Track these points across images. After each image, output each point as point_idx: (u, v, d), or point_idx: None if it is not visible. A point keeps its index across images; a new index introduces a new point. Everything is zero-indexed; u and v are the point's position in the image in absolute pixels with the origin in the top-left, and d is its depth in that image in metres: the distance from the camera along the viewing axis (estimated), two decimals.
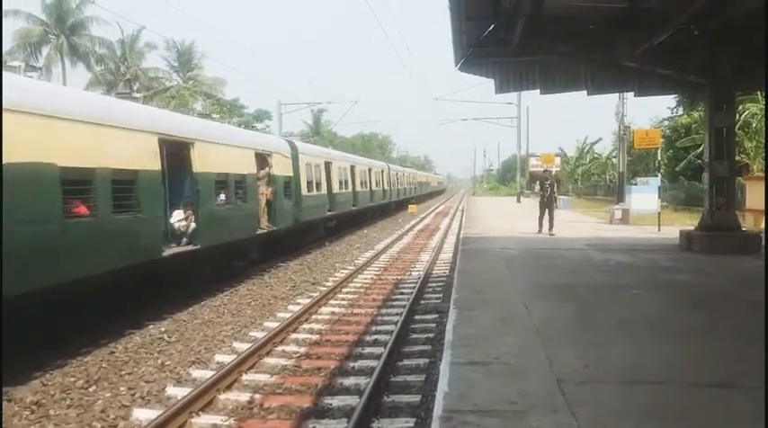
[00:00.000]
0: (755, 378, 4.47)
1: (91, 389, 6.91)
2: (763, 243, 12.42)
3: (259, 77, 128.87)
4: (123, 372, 7.50)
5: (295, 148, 18.94)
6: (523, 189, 50.67)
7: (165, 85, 43.12)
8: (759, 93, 25.76)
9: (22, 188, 7.17)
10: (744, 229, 13.89)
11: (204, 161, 12.00)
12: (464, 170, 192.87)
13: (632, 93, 16.20)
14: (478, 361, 5.04)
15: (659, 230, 17.46)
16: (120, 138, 9.37)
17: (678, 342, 5.79)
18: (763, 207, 17.60)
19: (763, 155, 27.85)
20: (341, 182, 24.78)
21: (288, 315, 10.19)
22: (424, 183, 69.16)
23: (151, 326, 9.68)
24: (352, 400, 6.23)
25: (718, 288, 8.84)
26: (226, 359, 7.82)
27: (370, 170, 31.93)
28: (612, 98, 28.95)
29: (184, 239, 11.55)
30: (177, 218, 11.62)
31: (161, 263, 10.47)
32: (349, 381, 6.92)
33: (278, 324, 9.45)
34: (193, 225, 11.65)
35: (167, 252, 10.72)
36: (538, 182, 20.45)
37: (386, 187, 36.73)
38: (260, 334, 9.00)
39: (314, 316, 10.26)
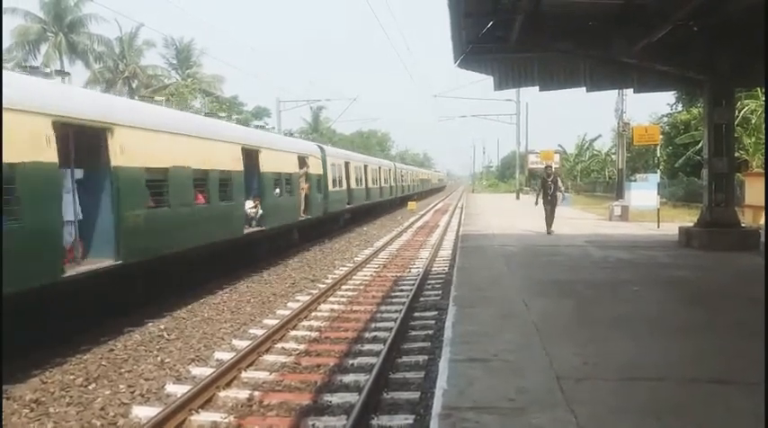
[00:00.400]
0: (754, 375, 4.48)
1: (90, 387, 6.91)
2: (763, 239, 12.43)
3: (259, 76, 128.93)
4: (123, 370, 7.50)
5: (323, 151, 22.25)
6: (522, 186, 50.70)
7: (163, 83, 43.08)
8: (758, 89, 25.76)
9: (175, 183, 10.76)
10: (743, 226, 13.90)
11: (267, 163, 15.52)
12: (463, 167, 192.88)
13: (631, 90, 16.20)
14: (478, 357, 5.05)
15: (658, 227, 17.47)
16: (222, 149, 13.05)
17: (677, 338, 5.79)
18: (762, 203, 17.61)
19: (762, 151, 27.86)
20: (356, 180, 27.88)
21: (287, 312, 10.19)
22: (426, 180, 73.62)
23: (150, 324, 9.68)
24: (352, 397, 6.24)
25: (717, 284, 8.85)
26: (225, 356, 7.82)
27: (379, 168, 35.28)
28: (612, 95, 28.92)
29: (254, 222, 14.81)
30: (249, 206, 14.69)
31: (242, 239, 13.86)
32: (348, 378, 6.93)
33: (277, 321, 9.46)
34: (260, 211, 15.03)
35: (246, 231, 14.09)
36: (539, 180, 19.36)
37: (392, 184, 40.17)
38: (259, 332, 9.01)
39: (313, 314, 10.26)
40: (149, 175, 9.97)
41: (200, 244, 11.72)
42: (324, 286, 12.43)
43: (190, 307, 10.88)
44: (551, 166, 19.81)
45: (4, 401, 6.36)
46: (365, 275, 14.05)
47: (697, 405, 4.07)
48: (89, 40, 41.01)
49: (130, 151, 9.44)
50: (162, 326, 9.54)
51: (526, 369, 4.77)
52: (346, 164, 26.11)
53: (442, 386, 4.42)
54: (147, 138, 10.06)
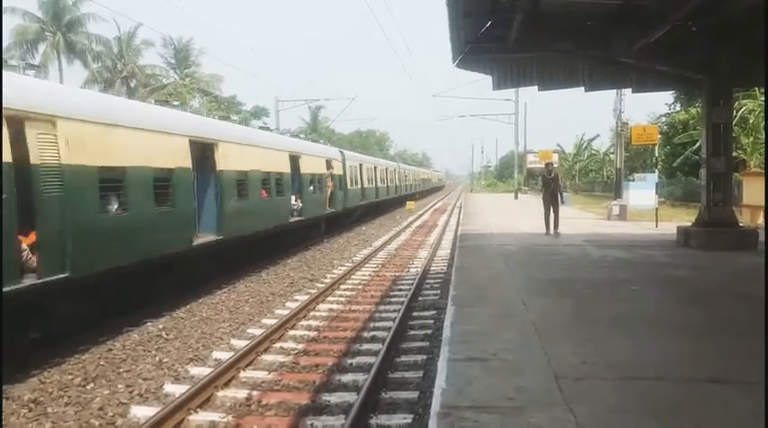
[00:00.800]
0: (752, 374, 4.49)
1: (89, 387, 6.91)
2: (760, 238, 12.46)
3: (258, 75, 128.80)
4: (121, 370, 7.50)
5: (343, 155, 25.90)
6: (521, 185, 50.72)
7: (162, 83, 43.05)
8: (756, 89, 25.81)
9: (251, 182, 14.20)
10: (741, 225, 13.92)
11: (305, 167, 19.34)
12: (462, 166, 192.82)
13: (630, 90, 16.21)
14: (476, 357, 5.05)
15: (657, 226, 17.49)
16: (277, 156, 16.81)
17: (675, 338, 5.80)
18: (759, 203, 17.64)
19: (760, 151, 27.91)
20: (368, 179, 31.20)
21: (286, 312, 10.18)
22: (427, 180, 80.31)
23: (149, 324, 9.67)
24: (350, 397, 6.24)
25: (715, 284, 8.86)
26: (224, 356, 7.81)
27: (386, 169, 39.25)
28: (610, 94, 29.05)
29: (295, 213, 18.13)
30: (292, 200, 18.04)
31: (288, 226, 17.60)
32: (347, 378, 6.92)
33: (276, 321, 9.45)
34: (300, 205, 18.47)
35: (291, 220, 17.70)
36: (540, 178, 19.00)
37: (397, 183, 44.55)
38: (258, 331, 9.01)
39: (312, 313, 10.26)
40: (238, 176, 13.53)
41: (265, 228, 15.38)
42: (322, 285, 12.43)
43: (188, 306, 10.87)
44: (552, 163, 19.18)
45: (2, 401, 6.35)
46: (364, 275, 14.05)
47: (695, 405, 4.08)
48: (87, 39, 40.96)
49: (228, 159, 12.99)
50: (160, 326, 9.53)
51: (525, 368, 4.77)
52: (360, 165, 29.15)
53: (440, 385, 4.42)
54: (237, 150, 13.72)
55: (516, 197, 43.16)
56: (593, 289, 8.18)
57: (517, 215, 24.35)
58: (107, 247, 8.79)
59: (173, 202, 10.62)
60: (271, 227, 15.84)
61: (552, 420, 3.78)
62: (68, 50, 40.47)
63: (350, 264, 15.33)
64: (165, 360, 7.86)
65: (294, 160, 18.37)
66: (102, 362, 7.76)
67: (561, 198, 15.96)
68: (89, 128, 8.51)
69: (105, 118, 9.03)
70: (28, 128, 7.35)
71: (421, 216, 34.45)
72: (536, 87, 13.78)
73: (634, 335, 5.78)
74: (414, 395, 6.38)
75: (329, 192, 22.32)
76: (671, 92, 34.59)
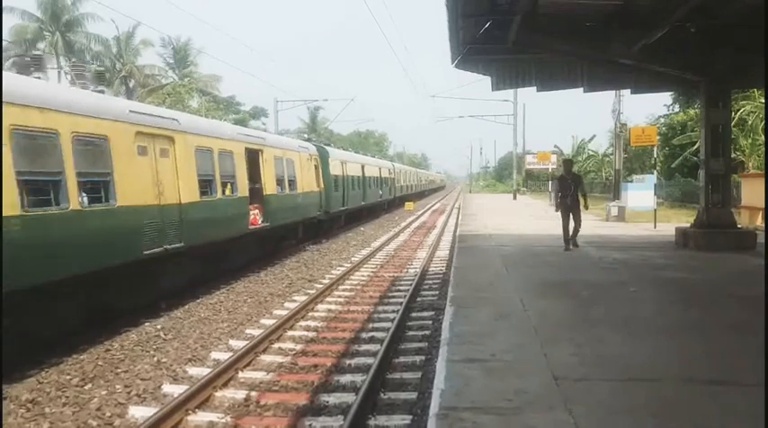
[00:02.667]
0: (751, 375, 4.49)
1: (87, 387, 6.90)
2: (760, 240, 12.47)
3: (256, 75, 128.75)
4: (119, 370, 7.49)
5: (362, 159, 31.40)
6: (519, 186, 50.72)
7: (160, 83, 43.00)
8: (755, 90, 25.84)
9: (346, 182, 25.63)
10: (739, 226, 13.93)
11: (333, 170, 23.90)
12: (460, 167, 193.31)
13: (628, 91, 16.23)
14: (475, 358, 5.05)
15: (655, 227, 17.50)
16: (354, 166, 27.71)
17: (674, 339, 5.80)
18: (758, 204, 17.66)
19: (758, 152, 27.95)
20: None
21: (284, 312, 10.18)
22: (433, 181, 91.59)
23: (147, 324, 9.66)
24: (349, 397, 6.23)
25: (713, 285, 8.86)
26: (222, 356, 7.81)
27: (407, 172, 48.81)
28: (609, 95, 29.06)
29: (323, 208, 21.78)
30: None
31: (318, 217, 21.38)
32: (345, 378, 6.92)
33: (274, 321, 9.45)
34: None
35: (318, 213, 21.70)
36: (555, 180, 15.12)
37: (414, 183, 51.92)
38: (256, 332, 9.00)
39: (310, 314, 10.25)
40: (341, 179, 24.06)
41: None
42: (321, 286, 12.42)
43: (186, 306, 10.86)
44: (572, 161, 15.03)
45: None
46: (362, 275, 14.04)
47: (694, 406, 4.08)
48: (86, 39, 40.91)
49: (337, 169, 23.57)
50: (159, 326, 9.52)
51: (523, 369, 4.77)
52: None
53: (439, 386, 4.42)
54: (345, 164, 24.89)
55: (515, 198, 43.20)
56: (592, 290, 8.18)
57: (515, 216, 24.37)
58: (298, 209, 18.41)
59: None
60: (312, 217, 20.58)
61: (551, 421, 3.78)
62: (67, 50, 40.38)
63: (348, 265, 15.32)
64: (163, 360, 7.85)
65: (344, 166, 25.40)
66: (100, 362, 7.75)
67: (586, 203, 12.53)
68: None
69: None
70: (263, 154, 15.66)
71: (420, 217, 34.45)
72: (535, 88, 13.80)
73: (633, 337, 5.79)
74: (412, 396, 6.37)
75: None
76: (670, 93, 34.63)
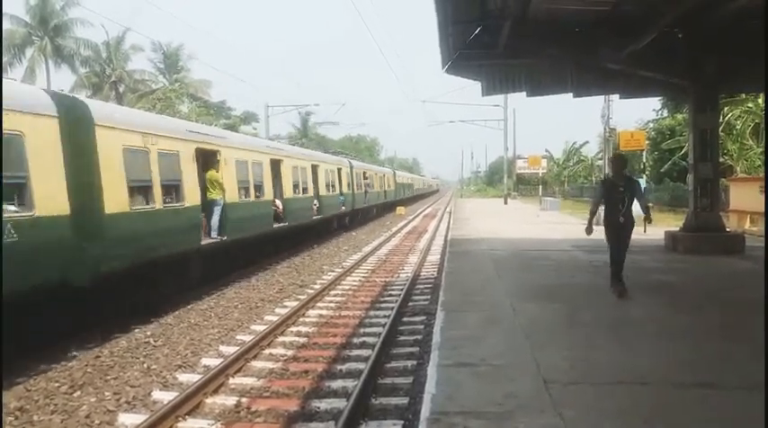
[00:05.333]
0: (739, 379, 4.53)
1: (75, 395, 6.83)
2: (748, 243, 12.58)
3: (247, 80, 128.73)
4: (108, 377, 7.42)
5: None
6: (510, 190, 50.93)
7: (150, 88, 42.85)
8: (743, 95, 26.08)
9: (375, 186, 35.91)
10: (728, 230, 14.05)
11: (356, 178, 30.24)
12: (452, 172, 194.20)
13: (617, 95, 16.35)
14: (466, 362, 5.05)
15: (645, 231, 17.53)
16: (384, 177, 40.25)
17: (663, 342, 5.84)
18: (746, 208, 17.82)
19: (746, 156, 28.23)
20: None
21: (275, 318, 10.13)
22: (430, 186, 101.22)
23: (137, 330, 9.59)
24: (340, 403, 6.21)
25: (702, 288, 8.92)
26: (212, 362, 7.76)
27: (411, 179, 51.96)
28: (599, 100, 29.14)
29: (343, 207, 26.62)
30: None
31: (339, 213, 26.15)
32: (337, 384, 6.89)
33: (265, 327, 9.40)
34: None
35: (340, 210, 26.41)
36: (599, 185, 10.62)
37: (416, 188, 57.06)
38: (247, 338, 8.95)
39: (301, 319, 10.22)
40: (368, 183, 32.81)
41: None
42: (312, 291, 12.38)
43: (176, 312, 10.79)
44: (625, 158, 8.89)
45: None
46: (354, 280, 14.02)
47: (683, 409, 4.10)
48: (75, 44, 40.67)
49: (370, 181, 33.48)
50: (148, 333, 9.45)
51: (514, 373, 4.78)
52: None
53: (430, 390, 4.42)
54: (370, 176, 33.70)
55: (506, 202, 43.36)
56: (582, 293, 8.22)
57: (506, 220, 24.45)
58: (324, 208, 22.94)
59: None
60: (334, 214, 25.23)
61: (541, 425, 3.79)
62: (56, 55, 40.14)
63: (340, 270, 15.30)
64: (153, 366, 7.79)
65: (365, 175, 31.10)
66: (89, 369, 7.68)
67: (649, 216, 8.16)
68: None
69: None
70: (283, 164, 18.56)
71: (411, 221, 34.49)
72: (524, 93, 13.88)
73: (623, 340, 5.81)
74: (404, 400, 6.36)
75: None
76: (658, 98, 34.89)
